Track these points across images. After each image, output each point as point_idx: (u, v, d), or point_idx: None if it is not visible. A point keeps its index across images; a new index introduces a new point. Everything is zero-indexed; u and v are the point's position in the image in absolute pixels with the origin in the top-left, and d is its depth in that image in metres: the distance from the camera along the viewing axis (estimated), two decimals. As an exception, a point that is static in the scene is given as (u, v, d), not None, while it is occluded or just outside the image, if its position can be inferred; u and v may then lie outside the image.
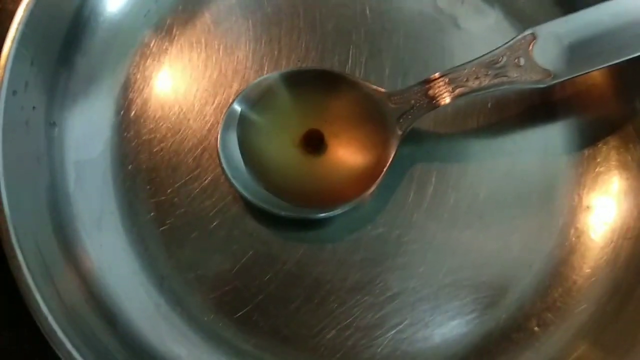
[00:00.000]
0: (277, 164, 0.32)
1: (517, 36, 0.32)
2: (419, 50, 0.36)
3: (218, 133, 0.32)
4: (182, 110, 0.35)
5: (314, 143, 0.33)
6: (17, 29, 0.29)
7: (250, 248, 0.33)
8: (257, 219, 0.33)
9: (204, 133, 0.35)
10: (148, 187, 0.33)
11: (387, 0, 0.37)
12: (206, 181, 0.34)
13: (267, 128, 0.33)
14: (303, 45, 0.36)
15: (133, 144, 0.34)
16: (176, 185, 0.34)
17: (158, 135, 0.34)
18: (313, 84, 0.33)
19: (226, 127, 0.32)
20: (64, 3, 0.33)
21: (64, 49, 0.33)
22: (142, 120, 0.35)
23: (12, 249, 0.27)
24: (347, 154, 0.33)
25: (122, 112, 0.35)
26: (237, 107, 0.33)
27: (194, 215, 0.33)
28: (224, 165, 0.31)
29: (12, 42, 0.29)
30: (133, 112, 0.35)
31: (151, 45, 0.36)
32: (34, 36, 0.30)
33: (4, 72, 0.29)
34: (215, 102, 0.35)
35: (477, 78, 0.31)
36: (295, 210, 0.31)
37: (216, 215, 0.33)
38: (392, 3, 0.37)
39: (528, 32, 0.32)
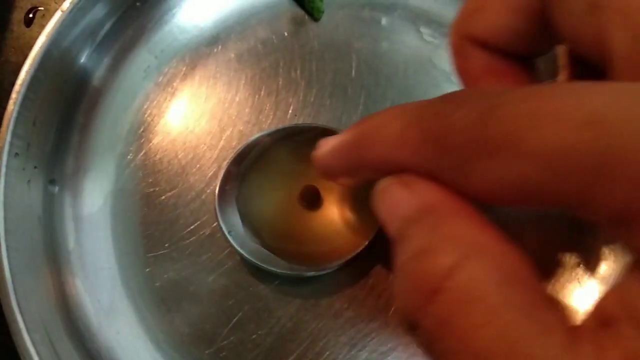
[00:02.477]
0: (274, 220, 0.33)
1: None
2: (413, 106, 0.37)
3: (216, 190, 0.32)
4: (181, 163, 0.35)
5: (310, 198, 0.33)
6: (18, 91, 0.30)
7: (246, 303, 0.33)
8: (253, 274, 0.33)
9: (202, 186, 0.35)
10: (146, 241, 0.34)
11: (381, 56, 0.38)
12: (204, 235, 0.34)
13: (263, 184, 0.33)
14: (300, 99, 0.37)
15: (132, 197, 0.35)
16: (174, 239, 0.34)
17: (157, 189, 0.35)
18: (308, 140, 0.34)
19: (223, 184, 0.33)
20: (65, 64, 0.33)
21: (65, 108, 0.34)
22: (141, 174, 0.35)
23: (12, 313, 0.27)
24: (342, 209, 0.33)
25: (122, 166, 0.35)
26: (234, 164, 0.33)
27: (190, 269, 0.33)
28: (221, 223, 0.32)
29: (15, 104, 0.30)
30: (133, 166, 0.35)
31: (151, 99, 0.37)
32: (36, 98, 0.31)
33: (6, 135, 0.29)
34: (214, 155, 0.36)
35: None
36: (291, 267, 0.32)
37: (213, 269, 0.34)
38: (387, 59, 0.38)
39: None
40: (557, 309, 0.12)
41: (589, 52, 0.14)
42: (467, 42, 0.17)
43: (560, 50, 0.19)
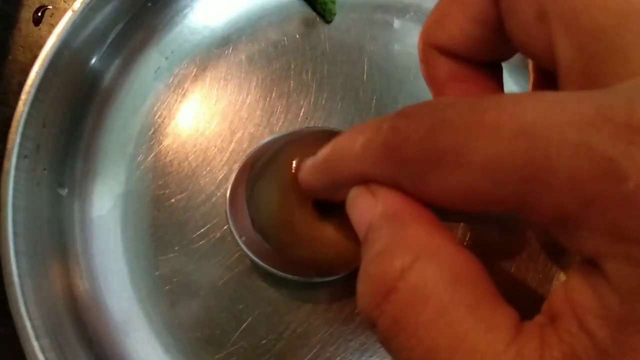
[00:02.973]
0: (285, 225, 0.33)
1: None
2: (426, 111, 0.36)
3: (227, 193, 0.32)
4: (191, 166, 0.35)
5: (322, 204, 0.33)
6: (28, 92, 0.30)
7: (256, 308, 0.33)
8: (263, 279, 0.33)
9: (212, 189, 0.35)
10: (155, 244, 0.34)
11: (393, 59, 0.38)
12: (214, 238, 0.34)
13: (274, 189, 0.33)
14: (311, 102, 0.37)
15: (142, 200, 0.34)
16: (184, 242, 0.34)
17: (167, 191, 0.35)
18: (320, 144, 0.33)
19: (234, 188, 0.32)
20: (75, 65, 0.33)
21: (75, 110, 0.34)
22: (151, 176, 0.35)
23: (21, 319, 0.27)
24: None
25: (132, 168, 0.35)
26: (245, 168, 0.33)
27: (200, 273, 0.33)
28: (232, 227, 0.31)
29: (24, 106, 0.29)
30: (143, 168, 0.35)
31: (162, 100, 0.36)
32: (46, 99, 0.31)
33: (16, 137, 0.29)
34: (225, 158, 0.35)
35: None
36: (301, 273, 0.31)
37: (223, 273, 0.33)
38: (398, 62, 0.38)
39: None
40: (505, 306, 0.13)
41: (541, 60, 0.14)
42: (432, 50, 0.18)
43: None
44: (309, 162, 0.22)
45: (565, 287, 0.12)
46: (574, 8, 0.12)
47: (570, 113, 0.11)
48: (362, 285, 0.14)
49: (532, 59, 0.15)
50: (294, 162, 0.32)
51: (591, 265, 0.11)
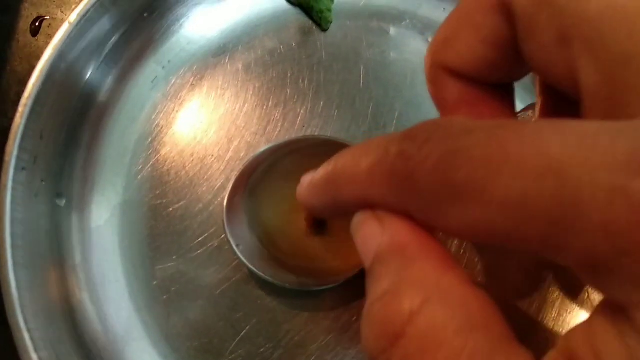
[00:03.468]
0: (282, 234, 0.33)
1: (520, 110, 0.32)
2: (420, 119, 0.36)
3: (224, 202, 0.32)
4: (188, 175, 0.35)
5: (315, 226, 0.33)
6: (25, 105, 0.30)
7: (254, 316, 0.33)
8: (261, 287, 0.33)
9: (210, 198, 0.35)
10: (153, 253, 0.34)
11: (389, 67, 0.38)
12: (212, 247, 0.34)
13: (271, 197, 0.33)
14: (308, 110, 0.37)
15: (140, 210, 0.35)
16: (181, 252, 0.34)
17: (165, 201, 0.35)
18: (317, 152, 0.34)
19: (231, 197, 0.32)
20: (72, 76, 0.33)
21: (72, 121, 0.34)
22: (149, 186, 0.35)
23: (19, 331, 0.27)
24: (349, 223, 0.33)
25: (130, 178, 0.35)
26: (242, 177, 0.33)
27: (198, 282, 0.33)
28: (229, 236, 0.31)
29: (22, 118, 0.30)
30: (141, 178, 0.35)
31: (159, 110, 0.36)
32: (43, 111, 0.31)
33: (14, 149, 0.29)
34: (222, 167, 0.35)
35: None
36: (299, 281, 0.32)
37: (221, 282, 0.33)
38: (395, 69, 0.38)
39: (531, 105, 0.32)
40: (520, 350, 0.12)
41: (561, 84, 0.13)
42: (440, 71, 0.17)
43: (536, 79, 0.19)
44: (308, 179, 0.20)
45: (588, 330, 0.11)
46: (600, 33, 0.11)
47: (603, 153, 0.10)
48: (368, 327, 0.13)
49: (550, 82, 0.14)
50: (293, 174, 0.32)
51: (619, 311, 0.11)
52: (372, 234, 0.14)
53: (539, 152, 0.11)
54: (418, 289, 0.12)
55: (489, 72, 0.15)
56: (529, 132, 0.11)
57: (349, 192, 0.16)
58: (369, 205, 0.15)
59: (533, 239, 0.11)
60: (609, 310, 0.11)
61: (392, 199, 0.14)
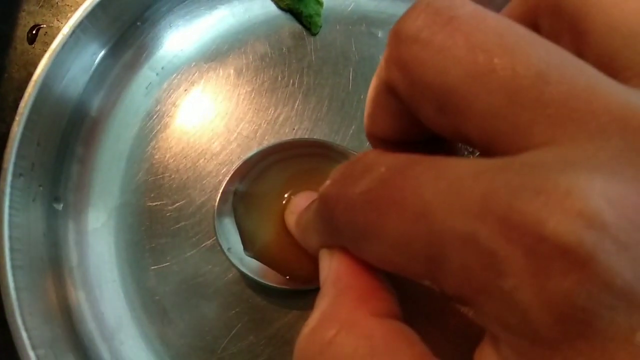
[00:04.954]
0: (272, 235, 0.34)
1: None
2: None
3: (215, 206, 0.33)
4: (182, 178, 0.36)
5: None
6: (22, 113, 0.31)
7: (245, 314, 0.34)
8: (252, 286, 0.34)
9: (202, 200, 0.36)
10: (148, 254, 0.35)
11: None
12: (204, 248, 0.35)
13: (261, 200, 0.34)
14: (298, 113, 0.38)
15: (136, 212, 0.36)
16: (175, 253, 0.35)
17: (160, 203, 0.36)
18: (306, 155, 0.35)
19: (222, 201, 0.33)
20: (67, 84, 0.34)
21: (68, 127, 0.35)
22: (144, 189, 0.36)
23: (17, 329, 0.28)
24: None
25: (125, 182, 0.36)
26: (233, 180, 0.34)
27: (192, 282, 0.34)
28: (219, 239, 0.33)
29: (18, 126, 0.31)
30: (136, 181, 0.36)
31: (153, 115, 0.37)
32: (39, 119, 0.32)
33: (11, 156, 0.30)
34: (214, 170, 0.37)
35: (470, 152, 0.32)
36: (288, 281, 0.33)
37: (213, 281, 0.34)
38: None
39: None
40: None
41: (457, 139, 0.14)
42: (373, 139, 0.18)
43: None
44: (292, 221, 0.22)
45: (480, 353, 0.12)
46: (467, 100, 0.12)
47: (463, 197, 0.11)
48: (296, 351, 0.14)
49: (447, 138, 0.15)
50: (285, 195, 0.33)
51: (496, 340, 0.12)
52: (322, 266, 0.15)
53: (416, 195, 0.11)
54: (333, 322, 0.13)
55: (412, 136, 0.16)
56: (412, 174, 0.12)
57: (309, 237, 0.18)
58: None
59: (422, 275, 0.12)
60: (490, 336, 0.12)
61: (327, 238, 0.15)
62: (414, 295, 0.16)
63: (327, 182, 0.15)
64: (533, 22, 0.15)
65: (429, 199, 0.11)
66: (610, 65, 0.12)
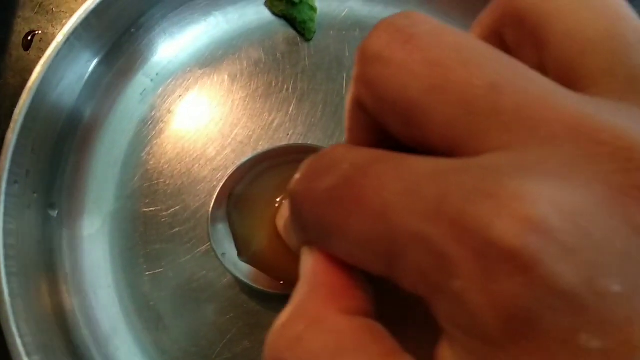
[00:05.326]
0: (264, 241, 0.34)
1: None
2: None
3: (209, 212, 0.33)
4: (176, 184, 0.37)
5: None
6: (16, 121, 0.31)
7: (239, 319, 0.34)
8: (245, 292, 0.35)
9: (197, 205, 0.36)
10: (143, 260, 0.35)
11: (372, 76, 0.39)
12: (199, 254, 0.35)
13: (255, 205, 0.34)
14: (292, 119, 0.38)
15: (130, 218, 0.36)
16: (170, 258, 0.35)
17: (154, 209, 0.36)
18: (297, 161, 0.35)
19: (216, 207, 0.34)
20: (62, 91, 0.35)
21: (63, 134, 0.35)
22: (139, 195, 0.36)
23: (12, 336, 0.28)
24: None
25: (120, 188, 0.36)
26: (227, 186, 0.34)
27: (186, 287, 0.35)
28: (214, 245, 0.33)
29: (13, 134, 0.31)
30: (131, 187, 0.36)
31: (147, 121, 0.38)
32: (34, 126, 0.32)
33: (6, 164, 0.30)
34: (209, 176, 0.37)
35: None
36: (282, 287, 0.33)
37: (207, 287, 0.35)
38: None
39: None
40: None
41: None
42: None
43: None
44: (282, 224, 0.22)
45: (438, 350, 0.12)
46: (428, 113, 0.12)
47: (419, 198, 0.11)
48: (265, 349, 0.14)
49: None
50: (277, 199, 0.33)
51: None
52: (302, 263, 0.15)
53: (376, 194, 0.12)
54: (303, 318, 0.13)
55: (389, 147, 0.17)
56: (373, 173, 0.12)
57: (292, 237, 0.18)
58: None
59: (383, 271, 0.12)
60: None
61: (300, 235, 0.15)
62: (393, 292, 0.16)
63: (296, 175, 0.15)
64: (499, 33, 0.15)
65: (387, 199, 0.12)
66: (569, 74, 0.13)
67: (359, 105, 0.14)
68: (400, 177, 0.12)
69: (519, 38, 0.14)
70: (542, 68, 0.14)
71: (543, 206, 0.10)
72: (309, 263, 0.15)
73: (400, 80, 0.12)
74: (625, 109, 0.11)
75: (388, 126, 0.14)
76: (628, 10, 0.13)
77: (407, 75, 0.12)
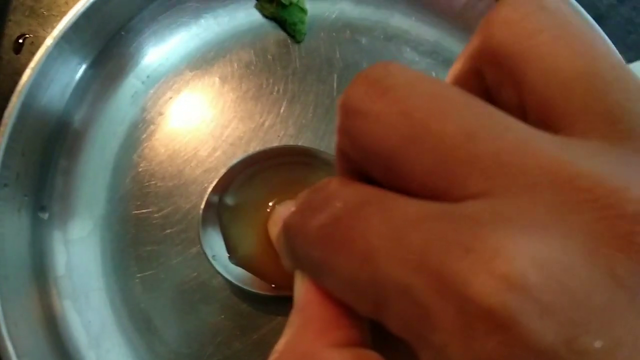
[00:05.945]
0: (254, 244, 0.34)
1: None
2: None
3: (199, 214, 0.34)
4: (168, 186, 0.37)
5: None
6: (6, 124, 0.31)
7: (231, 320, 0.34)
8: (237, 293, 0.35)
9: (188, 207, 0.36)
10: (134, 262, 0.35)
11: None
12: (190, 255, 0.35)
13: (246, 207, 0.35)
14: (282, 120, 0.38)
15: (122, 220, 0.36)
16: (161, 260, 0.35)
17: (146, 211, 0.36)
18: (289, 163, 0.35)
19: (207, 210, 0.34)
20: (52, 94, 0.35)
21: (53, 137, 0.35)
22: (130, 197, 0.36)
23: (2, 340, 0.28)
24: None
25: (112, 190, 0.36)
26: (218, 187, 0.34)
27: (178, 289, 0.35)
28: (204, 247, 0.33)
29: (3, 137, 0.31)
30: (122, 190, 0.36)
31: (138, 124, 0.38)
32: (24, 129, 0.32)
33: (-4, 167, 0.31)
34: (200, 178, 0.37)
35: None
36: (273, 288, 0.33)
37: (199, 288, 0.35)
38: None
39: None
40: None
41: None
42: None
43: None
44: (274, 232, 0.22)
45: None
46: (407, 162, 0.12)
47: (403, 246, 0.11)
48: None
49: None
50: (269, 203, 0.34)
51: None
52: (295, 289, 0.16)
53: (363, 238, 0.12)
54: (294, 354, 0.14)
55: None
56: (362, 215, 0.12)
57: (285, 259, 0.18)
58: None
59: (371, 313, 0.12)
60: None
61: (293, 264, 0.15)
62: None
63: (292, 208, 0.15)
64: (479, 73, 0.15)
65: (374, 244, 0.12)
66: (548, 114, 0.13)
67: (342, 155, 0.15)
68: (387, 221, 0.12)
69: (498, 77, 0.14)
70: (522, 108, 0.14)
71: (521, 262, 0.10)
72: (302, 291, 0.15)
73: (379, 132, 0.12)
74: (605, 150, 0.11)
75: (371, 174, 0.14)
76: (606, 47, 0.13)
77: (385, 127, 0.12)
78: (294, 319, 0.15)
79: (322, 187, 0.14)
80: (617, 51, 0.13)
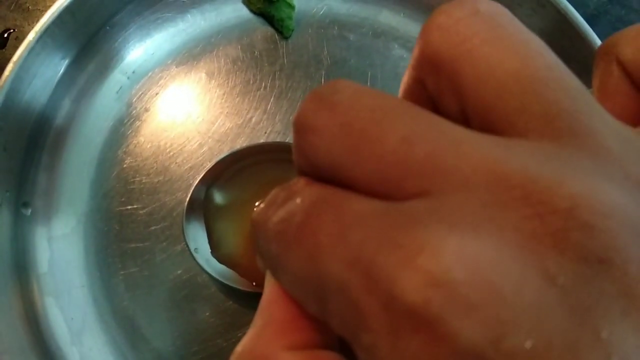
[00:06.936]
0: (238, 242, 0.34)
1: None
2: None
3: (184, 209, 0.33)
4: (152, 182, 0.36)
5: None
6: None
7: (215, 318, 0.34)
8: (221, 290, 0.34)
9: (173, 204, 0.36)
10: (118, 259, 0.35)
11: (349, 72, 0.39)
12: (174, 253, 0.35)
13: (231, 203, 0.34)
14: (269, 117, 0.38)
15: (106, 217, 0.36)
16: (145, 257, 0.35)
17: (130, 208, 0.36)
18: (276, 160, 0.35)
19: (190, 207, 0.33)
20: (35, 89, 0.34)
21: (35, 132, 0.35)
22: (114, 194, 0.36)
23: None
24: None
25: (95, 187, 0.36)
26: (203, 184, 0.34)
27: (162, 286, 0.34)
28: (188, 242, 0.33)
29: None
30: (106, 186, 0.36)
31: (123, 119, 0.37)
32: (5, 125, 0.32)
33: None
34: (185, 174, 0.37)
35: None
36: (256, 285, 0.33)
37: (183, 286, 0.34)
38: (355, 74, 0.39)
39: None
40: None
41: None
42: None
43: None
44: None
45: None
46: (351, 172, 0.13)
47: (345, 244, 0.11)
48: None
49: None
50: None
51: None
52: (264, 287, 0.15)
53: (312, 235, 0.12)
54: (250, 356, 0.13)
55: None
56: (315, 212, 0.12)
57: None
58: None
59: (316, 312, 0.12)
60: None
61: (260, 260, 0.15)
62: None
63: (261, 204, 0.15)
64: (422, 82, 0.15)
65: (321, 241, 0.11)
66: (487, 118, 0.13)
67: (300, 172, 0.15)
68: (337, 219, 0.12)
69: (438, 85, 0.14)
70: (464, 114, 0.14)
71: (447, 258, 0.09)
72: (266, 291, 0.15)
73: (324, 146, 0.13)
74: (542, 149, 0.11)
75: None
76: (541, 47, 0.13)
77: (329, 139, 0.13)
78: (256, 320, 0.14)
79: (290, 185, 0.14)
80: (553, 52, 0.13)
